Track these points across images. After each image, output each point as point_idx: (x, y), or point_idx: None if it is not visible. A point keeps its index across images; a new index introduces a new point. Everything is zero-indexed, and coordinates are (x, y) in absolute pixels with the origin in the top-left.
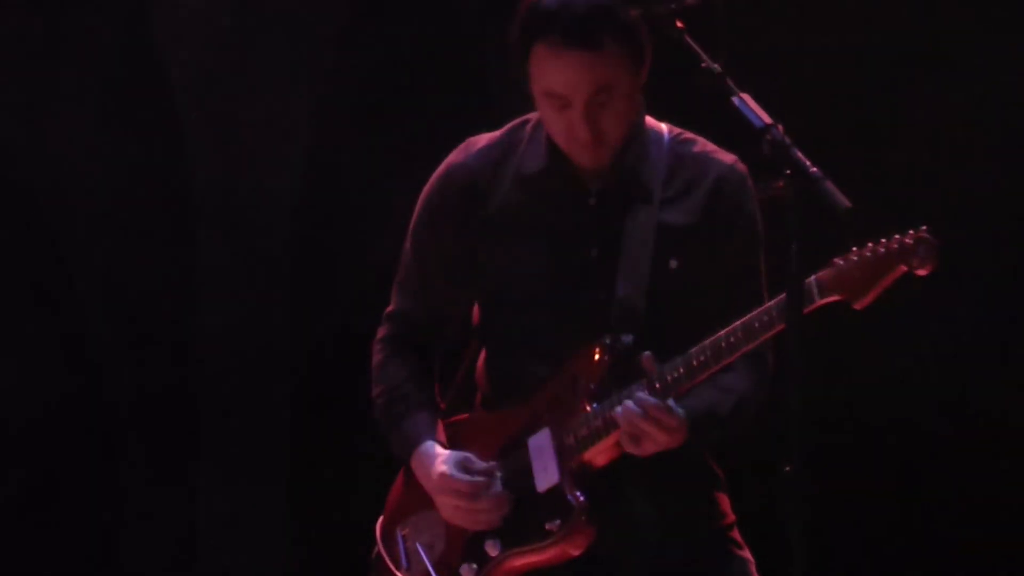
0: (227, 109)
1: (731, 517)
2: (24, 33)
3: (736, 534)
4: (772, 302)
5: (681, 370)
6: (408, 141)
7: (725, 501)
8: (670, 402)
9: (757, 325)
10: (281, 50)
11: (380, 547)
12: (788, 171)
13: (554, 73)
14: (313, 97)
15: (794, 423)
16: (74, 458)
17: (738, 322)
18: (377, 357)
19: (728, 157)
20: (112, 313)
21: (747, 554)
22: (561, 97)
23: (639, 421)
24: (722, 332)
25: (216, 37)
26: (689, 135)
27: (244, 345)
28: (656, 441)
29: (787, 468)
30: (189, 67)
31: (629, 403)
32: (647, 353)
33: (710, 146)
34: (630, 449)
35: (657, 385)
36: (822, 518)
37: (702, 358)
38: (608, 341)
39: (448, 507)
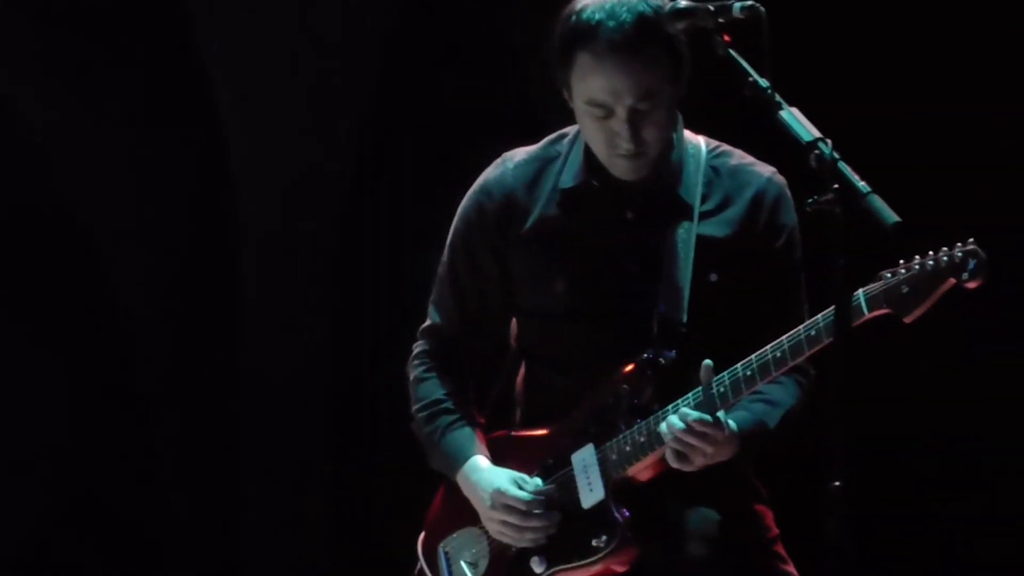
0: (272, 139)
1: (775, 531)
2: (78, 82)
3: (780, 548)
4: (819, 316)
5: (727, 383)
6: (452, 167)
7: (769, 515)
8: (719, 414)
9: (804, 340)
10: (325, 81)
11: (422, 563)
12: (836, 185)
13: (598, 80)
14: (356, 123)
15: (840, 438)
16: (118, 472)
17: (784, 336)
18: (414, 373)
19: (766, 169)
20: (158, 328)
21: (792, 569)
22: (604, 105)
23: (683, 436)
24: (768, 347)
25: (260, 68)
26: (726, 148)
27: (286, 364)
28: (705, 454)
29: (835, 483)
30: (236, 100)
31: (673, 419)
32: (707, 363)
33: (748, 158)
34: (677, 465)
35: (704, 398)
36: (869, 534)
37: (748, 372)
38: (651, 356)
39: (496, 523)
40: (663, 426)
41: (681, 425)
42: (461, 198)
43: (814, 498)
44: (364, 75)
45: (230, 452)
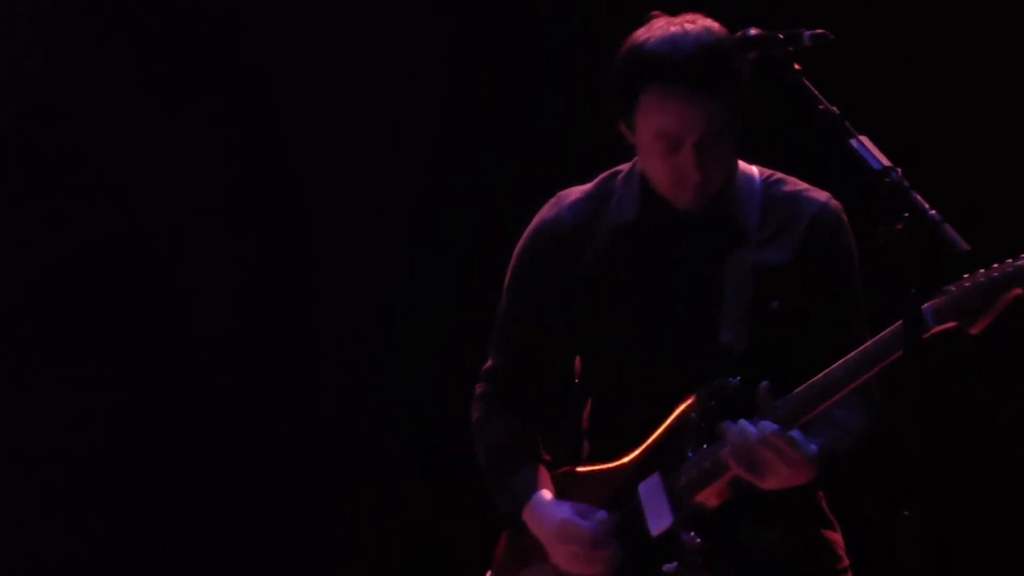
0: (342, 160)
1: (846, 561)
2: (149, 115)
3: None
4: (885, 332)
5: (793, 403)
6: (520, 191)
7: (839, 543)
8: (795, 434)
9: (867, 357)
10: (394, 106)
11: None
12: (906, 214)
13: (669, 113)
14: (425, 149)
15: (914, 466)
16: (185, 482)
17: (850, 355)
18: (476, 415)
19: (821, 195)
20: (225, 356)
21: None
22: (674, 138)
23: (757, 446)
24: (832, 367)
25: (328, 95)
26: (779, 175)
27: (359, 394)
28: (779, 473)
29: (906, 512)
30: (304, 117)
31: (745, 424)
32: (764, 383)
33: (802, 185)
34: (749, 476)
35: (771, 417)
36: (942, 563)
37: (813, 391)
38: (715, 384)
39: (566, 554)
40: (733, 430)
41: (754, 433)
42: (528, 222)
43: (883, 527)
44: (433, 99)
45: (302, 470)
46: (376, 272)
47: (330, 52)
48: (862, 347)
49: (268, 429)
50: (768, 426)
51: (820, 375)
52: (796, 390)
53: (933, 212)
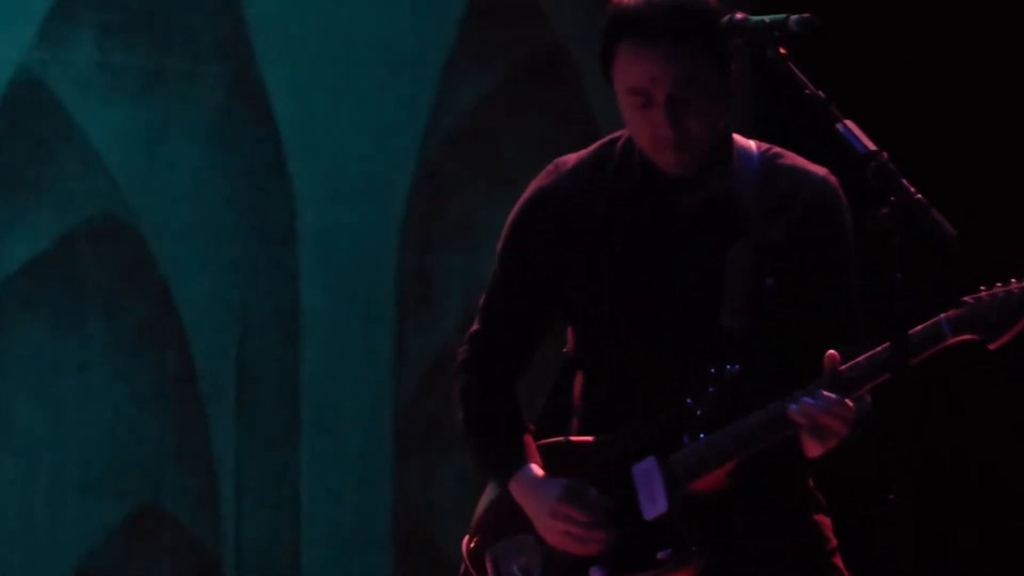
0: (330, 144)
1: (833, 542)
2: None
3: (838, 560)
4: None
5: (865, 368)
6: (513, 171)
7: (827, 525)
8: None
9: (924, 337)
10: (384, 84)
11: (469, 568)
12: (893, 198)
13: (637, 68)
14: (416, 131)
15: (901, 449)
16: (181, 482)
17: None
18: (461, 381)
19: (820, 169)
20: (216, 345)
21: None
22: (643, 93)
23: (820, 415)
24: (882, 347)
25: (317, 71)
26: (777, 149)
27: (347, 377)
28: (839, 435)
29: (891, 496)
30: (292, 102)
31: (809, 400)
32: (832, 352)
33: (800, 159)
34: (819, 442)
35: (835, 382)
36: (927, 547)
37: (882, 358)
38: (715, 371)
39: (557, 532)
40: (793, 407)
41: (823, 405)
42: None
43: (871, 509)
44: (425, 88)
45: (291, 463)
46: (366, 263)
47: (324, 38)
48: (916, 329)
49: None
50: (828, 396)
51: (876, 350)
52: (859, 358)
53: (919, 196)
